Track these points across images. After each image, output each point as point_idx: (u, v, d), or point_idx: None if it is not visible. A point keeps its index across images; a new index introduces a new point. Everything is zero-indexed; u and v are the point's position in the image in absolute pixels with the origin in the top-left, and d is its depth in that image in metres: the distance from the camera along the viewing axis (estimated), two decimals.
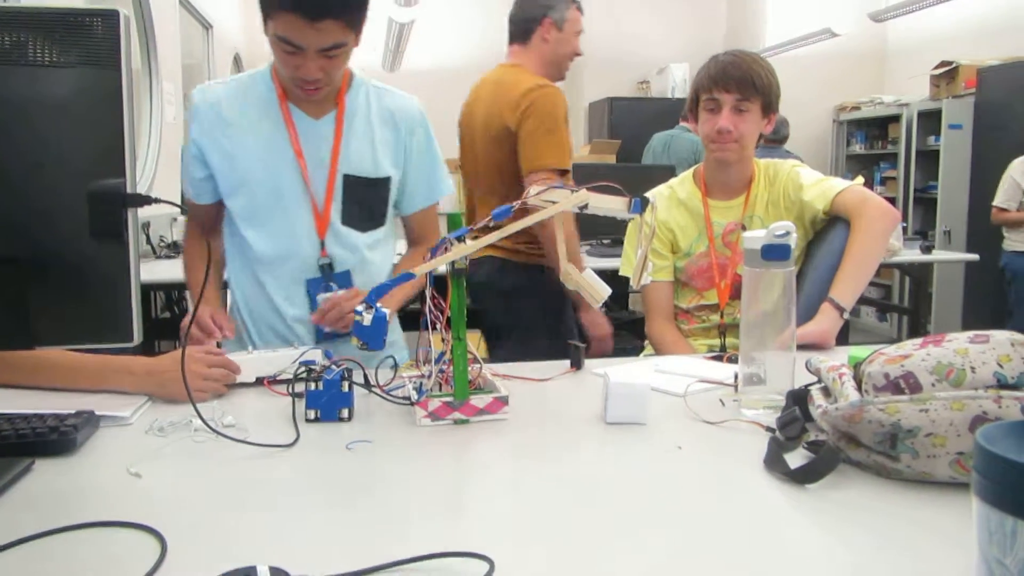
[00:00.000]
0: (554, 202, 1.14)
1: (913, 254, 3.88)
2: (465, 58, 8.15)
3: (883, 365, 1.00)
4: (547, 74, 2.65)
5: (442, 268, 1.18)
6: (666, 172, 4.39)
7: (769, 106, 1.86)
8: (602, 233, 4.04)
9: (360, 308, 1.15)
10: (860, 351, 1.31)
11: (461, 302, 1.17)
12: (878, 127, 6.99)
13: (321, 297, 1.67)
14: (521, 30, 2.70)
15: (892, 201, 6.43)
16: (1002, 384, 0.94)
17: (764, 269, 1.20)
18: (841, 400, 1.03)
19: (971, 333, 1.02)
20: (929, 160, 6.19)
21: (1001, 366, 0.95)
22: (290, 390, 1.28)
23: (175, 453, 1.08)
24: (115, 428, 1.18)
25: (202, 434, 1.13)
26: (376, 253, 1.76)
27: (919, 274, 4.07)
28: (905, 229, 5.97)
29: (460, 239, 1.14)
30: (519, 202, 1.15)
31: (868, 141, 7.13)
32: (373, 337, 1.15)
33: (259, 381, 1.40)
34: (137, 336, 0.97)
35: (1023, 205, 4.60)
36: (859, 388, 1.04)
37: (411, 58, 7.47)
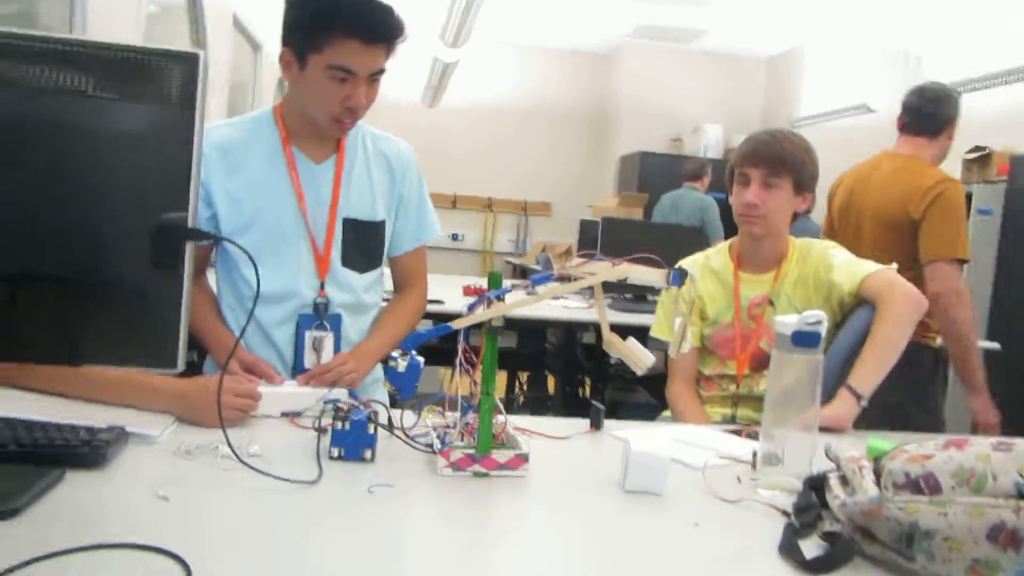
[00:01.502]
0: (593, 273, 1.17)
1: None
2: (500, 98, 8.28)
3: (905, 463, 1.01)
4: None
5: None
6: (694, 233, 4.44)
7: (801, 184, 1.89)
8: (624, 287, 4.06)
9: (396, 355, 1.18)
10: (879, 442, 1.32)
11: (493, 358, 1.19)
12: None
13: (309, 336, 1.70)
14: (933, 126, 2.96)
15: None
16: (1022, 494, 0.95)
17: (793, 354, 1.22)
18: (860, 493, 1.04)
19: (995, 440, 1.03)
20: None
21: (1022, 476, 0.96)
22: (315, 425, 1.31)
23: (202, 478, 1.10)
24: (143, 445, 1.20)
25: (228, 461, 1.15)
26: (371, 294, 1.82)
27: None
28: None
29: (499, 298, 1.16)
30: (559, 270, 1.18)
31: None
32: (406, 384, 1.18)
33: (284, 415, 1.42)
34: (181, 363, 1.00)
35: None
36: (878, 482, 1.05)
37: (449, 96, 7.58)
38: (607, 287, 4.04)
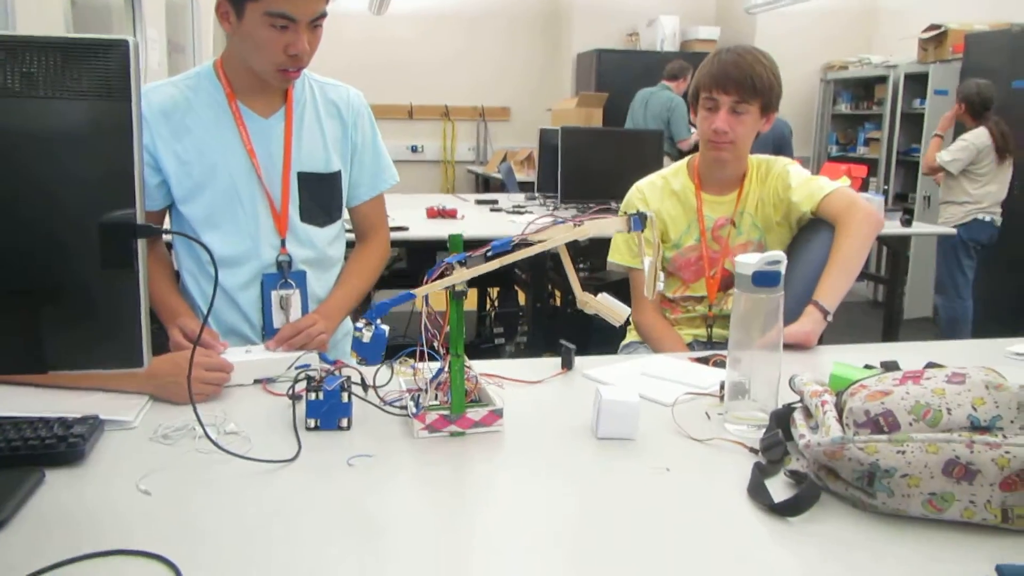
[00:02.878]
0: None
1: (893, 226, 3.93)
2: (449, 4, 8.02)
3: (864, 401, 1.05)
4: None
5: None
6: (654, 136, 4.41)
7: (768, 106, 1.87)
8: (589, 197, 4.04)
9: (360, 325, 1.18)
10: (843, 369, 1.35)
11: (460, 321, 1.20)
12: (864, 88, 6.99)
13: (275, 295, 1.69)
14: None
15: (874, 163, 6.50)
16: (975, 427, 0.99)
17: (754, 294, 1.23)
18: (822, 430, 1.08)
19: (949, 371, 1.07)
20: (913, 123, 6.21)
21: (975, 409, 1.00)
22: (289, 393, 1.32)
23: (181, 466, 1.11)
24: (120, 432, 1.21)
25: (206, 442, 1.16)
26: (334, 248, 1.80)
27: (897, 245, 4.13)
28: (886, 193, 6.02)
29: (461, 263, 1.16)
30: (519, 236, 1.17)
31: (854, 101, 7.13)
32: (372, 353, 1.19)
33: (256, 382, 1.42)
34: (147, 361, 0.99)
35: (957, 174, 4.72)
36: (840, 419, 1.09)
37: (397, 2, 7.31)
38: (571, 197, 4.02)
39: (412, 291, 1.18)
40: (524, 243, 1.18)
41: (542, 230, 1.17)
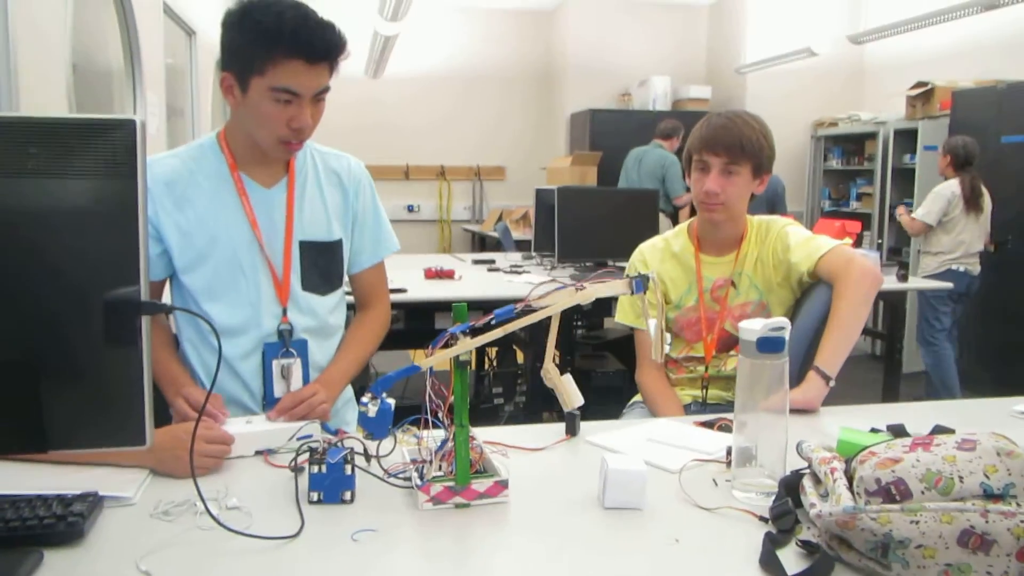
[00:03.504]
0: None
1: (890, 281, 3.94)
2: (444, 64, 8.17)
3: (875, 469, 1.04)
4: None
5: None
6: (649, 195, 4.45)
7: (760, 168, 1.90)
8: (586, 256, 4.07)
9: (366, 400, 1.18)
10: (850, 434, 1.34)
11: (464, 390, 1.19)
12: (855, 143, 7.09)
13: (277, 364, 1.68)
14: None
15: (867, 217, 6.55)
16: (988, 495, 0.98)
17: (759, 360, 1.23)
18: (832, 499, 1.06)
19: (959, 437, 1.06)
20: (905, 177, 6.28)
21: (988, 476, 0.99)
22: (291, 466, 1.30)
23: (183, 544, 1.09)
24: (120, 509, 1.18)
25: (207, 518, 1.13)
26: (335, 316, 1.80)
27: (895, 300, 4.14)
28: (880, 247, 6.06)
29: (464, 333, 1.16)
30: (522, 304, 1.17)
31: (845, 156, 7.22)
32: (379, 427, 1.18)
33: (258, 453, 1.41)
34: (149, 439, 0.98)
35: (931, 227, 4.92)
36: (850, 486, 1.08)
37: (392, 66, 7.45)
38: (568, 256, 4.03)
39: (417, 363, 1.17)
40: (528, 309, 1.18)
41: (546, 295, 1.17)
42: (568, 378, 1.26)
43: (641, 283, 1.25)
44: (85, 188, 0.95)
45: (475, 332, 1.19)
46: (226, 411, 1.50)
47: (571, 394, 1.26)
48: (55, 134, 0.94)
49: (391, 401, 1.19)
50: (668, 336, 1.26)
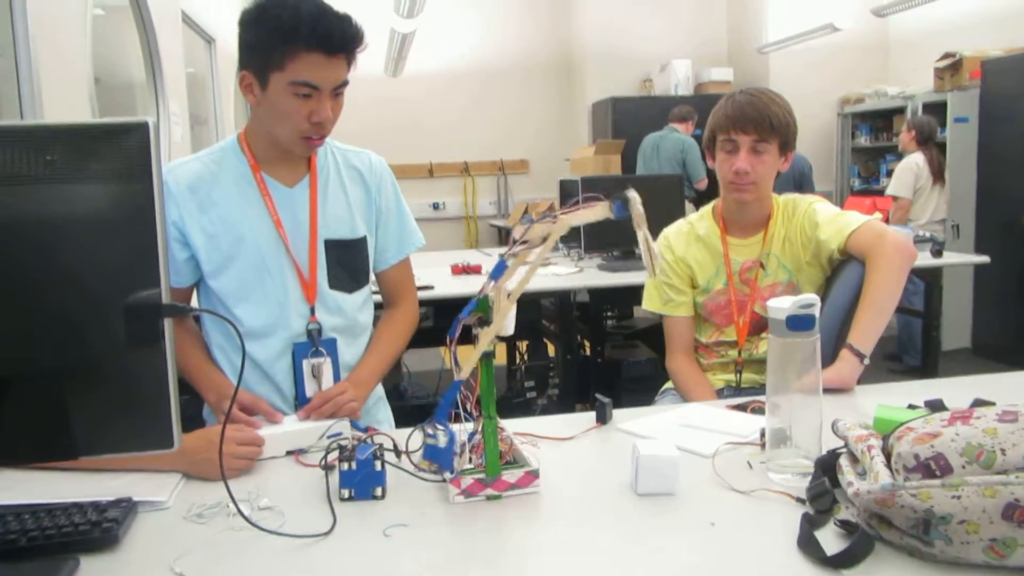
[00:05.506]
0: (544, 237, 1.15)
1: (925, 258, 3.86)
2: (464, 59, 8.16)
3: (913, 445, 1.01)
4: None
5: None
6: (674, 180, 4.41)
7: (786, 144, 1.87)
8: (611, 245, 4.04)
9: (432, 431, 1.17)
10: (887, 411, 1.32)
11: (491, 382, 1.18)
12: (883, 119, 6.97)
13: (307, 364, 1.68)
14: None
15: None
16: None
17: (789, 338, 1.21)
18: (871, 477, 1.04)
19: (999, 409, 1.03)
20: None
21: None
22: (321, 464, 1.30)
23: (215, 545, 1.09)
24: (153, 513, 1.19)
25: (240, 519, 1.14)
26: (363, 314, 1.80)
27: (930, 277, 4.06)
28: (943, 222, 5.93)
29: (482, 321, 1.15)
30: (507, 252, 1.16)
31: (873, 133, 7.11)
32: (448, 458, 1.18)
33: (288, 453, 1.41)
34: (177, 442, 0.99)
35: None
36: (888, 463, 1.05)
37: (411, 64, 7.46)
38: (594, 247, 4.02)
39: (457, 379, 1.16)
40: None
41: (524, 240, 1.15)
42: (511, 307, 1.20)
43: (621, 206, 1.20)
44: (101, 192, 0.95)
45: (482, 322, 1.18)
46: (275, 412, 1.53)
47: (507, 323, 1.19)
48: (70, 140, 0.94)
49: (454, 428, 1.19)
50: (656, 248, 1.20)
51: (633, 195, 1.17)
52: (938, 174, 5.39)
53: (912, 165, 5.40)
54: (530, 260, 1.19)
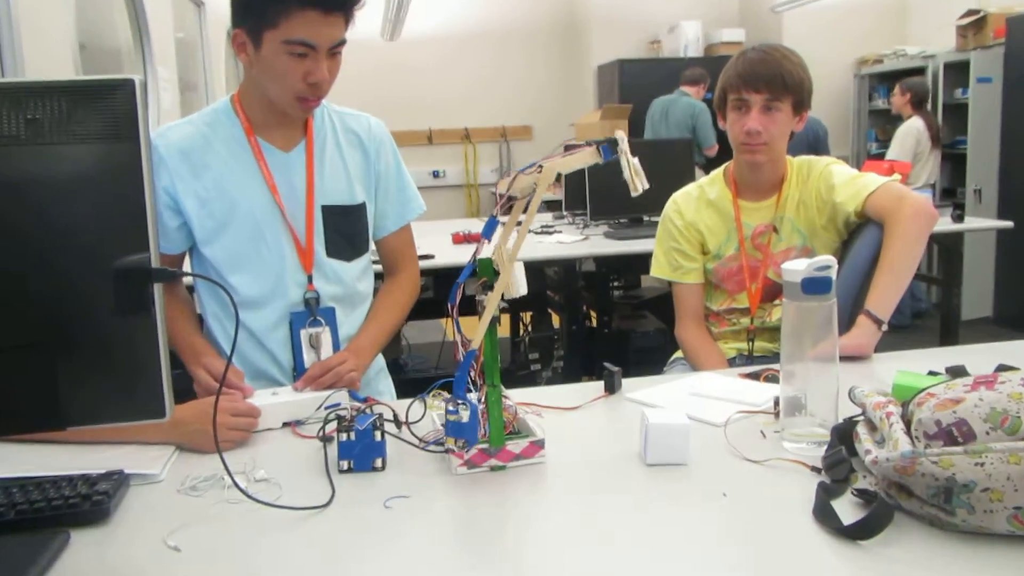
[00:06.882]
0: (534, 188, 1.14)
1: (945, 223, 3.84)
2: (463, 24, 8.08)
3: (934, 411, 1.00)
4: None
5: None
6: (684, 145, 4.39)
7: (800, 104, 1.85)
8: (620, 212, 4.02)
9: (453, 407, 1.16)
10: (906, 377, 1.31)
11: (494, 349, 1.18)
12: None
13: (305, 334, 1.67)
14: None
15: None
16: None
17: (804, 302, 1.20)
18: (890, 444, 1.03)
19: None
20: (957, 114, 6.11)
21: None
22: (319, 435, 1.30)
23: (211, 519, 1.09)
24: (146, 486, 1.19)
25: (235, 492, 1.13)
26: (363, 283, 1.79)
27: (950, 242, 4.04)
28: (933, 188, 5.91)
29: (485, 287, 1.15)
30: (498, 208, 1.16)
31: (891, 95, 7.04)
32: (472, 432, 1.17)
33: (285, 425, 1.41)
34: (169, 411, 0.98)
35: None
36: (908, 430, 1.05)
37: (409, 27, 7.39)
38: (601, 214, 4.00)
39: (471, 348, 1.16)
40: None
41: (511, 186, 1.14)
42: (519, 265, 1.19)
43: (608, 149, 1.19)
44: (86, 153, 0.93)
45: (486, 287, 1.17)
46: (248, 387, 1.50)
47: (517, 283, 1.18)
48: (53, 98, 0.92)
49: (476, 402, 1.18)
50: (639, 166, 1.19)
51: (620, 135, 1.17)
52: (936, 139, 5.57)
53: (912, 130, 5.55)
54: (523, 218, 1.17)
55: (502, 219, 1.18)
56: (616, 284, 4.53)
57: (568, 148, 1.22)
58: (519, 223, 1.18)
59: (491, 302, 1.15)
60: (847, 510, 1.02)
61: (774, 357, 1.89)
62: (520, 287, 1.19)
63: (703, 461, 1.21)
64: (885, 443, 1.05)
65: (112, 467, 1.18)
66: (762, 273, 1.94)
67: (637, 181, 1.19)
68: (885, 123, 7.11)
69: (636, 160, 1.19)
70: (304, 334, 1.67)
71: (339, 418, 1.25)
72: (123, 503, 1.13)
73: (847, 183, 1.87)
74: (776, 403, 1.33)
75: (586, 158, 1.18)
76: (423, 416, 1.34)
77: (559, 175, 1.20)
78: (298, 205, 1.67)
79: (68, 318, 0.96)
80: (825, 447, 1.17)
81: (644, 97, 6.73)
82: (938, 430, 0.98)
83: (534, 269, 3.91)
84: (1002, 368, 1.37)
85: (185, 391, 1.52)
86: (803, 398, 1.25)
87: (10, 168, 0.93)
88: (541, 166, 1.16)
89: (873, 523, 0.96)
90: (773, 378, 1.50)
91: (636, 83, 7.18)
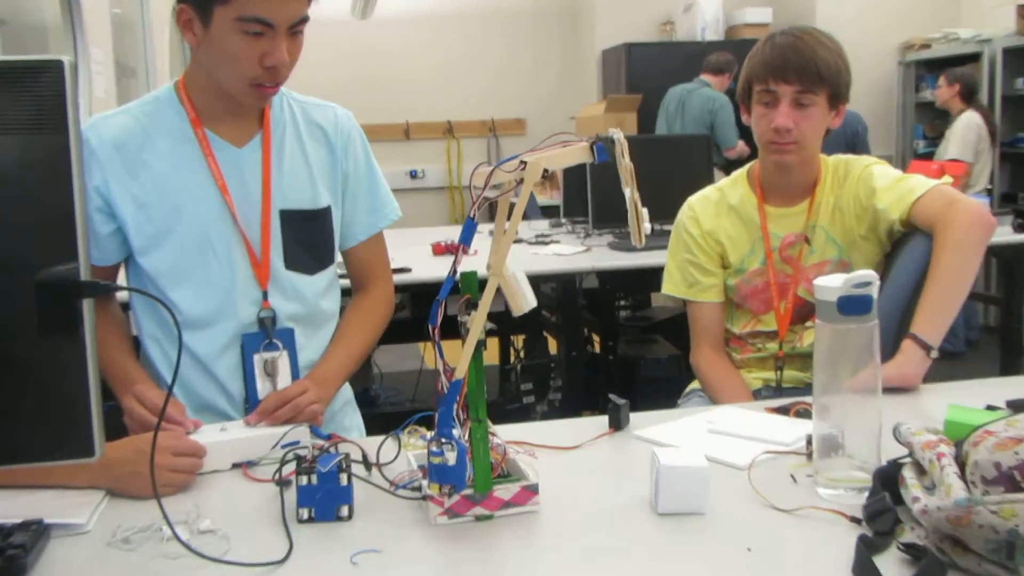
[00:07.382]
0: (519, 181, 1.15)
1: (1005, 233, 3.87)
2: (446, 2, 8.12)
3: (992, 452, 1.01)
4: None
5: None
6: (701, 141, 4.41)
7: (837, 96, 1.86)
8: (626, 220, 4.03)
9: (437, 448, 1.16)
10: (959, 412, 1.32)
11: (480, 379, 1.18)
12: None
13: (259, 359, 1.67)
14: None
15: None
16: None
17: (841, 325, 1.20)
18: (941, 491, 1.04)
19: None
20: (1017, 106, 6.18)
21: None
22: (275, 479, 1.30)
23: (145, 575, 1.09)
24: (70, 537, 1.19)
25: (176, 545, 1.13)
26: (326, 300, 1.80)
27: (1010, 255, 4.07)
28: (990, 193, 5.96)
29: (469, 304, 1.15)
30: (472, 207, 1.17)
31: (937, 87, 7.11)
32: (459, 476, 1.17)
33: (235, 466, 1.41)
34: (99, 450, 0.98)
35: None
36: (962, 474, 1.05)
37: (384, 3, 7.43)
38: (605, 222, 4.01)
39: (459, 377, 1.15)
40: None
41: (487, 190, 1.15)
42: (521, 275, 1.19)
43: (603, 148, 1.19)
44: (5, 146, 0.94)
45: (470, 305, 1.18)
46: (191, 421, 1.50)
47: (523, 295, 1.18)
48: None
49: (465, 443, 1.18)
50: (646, 212, 1.19)
51: (618, 136, 1.16)
52: (993, 136, 5.63)
53: (973, 124, 5.57)
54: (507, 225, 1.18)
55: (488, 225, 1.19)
56: (623, 303, 4.55)
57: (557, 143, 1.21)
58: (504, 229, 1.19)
59: (476, 323, 1.15)
60: (892, 568, 1.03)
61: (806, 389, 1.89)
62: (528, 299, 1.19)
63: (724, 510, 1.21)
64: (936, 489, 1.06)
65: (30, 515, 1.17)
66: (792, 290, 1.95)
67: (640, 231, 1.20)
68: (934, 117, 7.17)
69: (644, 209, 1.19)
70: (258, 359, 1.67)
71: (298, 458, 1.25)
72: (42, 558, 1.12)
73: (890, 187, 1.88)
74: (808, 442, 1.34)
75: (576, 155, 1.18)
76: (397, 456, 1.35)
77: (552, 174, 1.20)
78: (252, 209, 1.68)
79: None
80: (866, 494, 1.17)
81: (654, 86, 6.78)
82: (998, 474, 0.99)
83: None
84: None
85: (118, 426, 1.52)
86: (840, 436, 1.26)
87: None
88: (524, 162, 1.16)
89: None
90: (804, 412, 1.51)
91: (646, 70, 7.23)
